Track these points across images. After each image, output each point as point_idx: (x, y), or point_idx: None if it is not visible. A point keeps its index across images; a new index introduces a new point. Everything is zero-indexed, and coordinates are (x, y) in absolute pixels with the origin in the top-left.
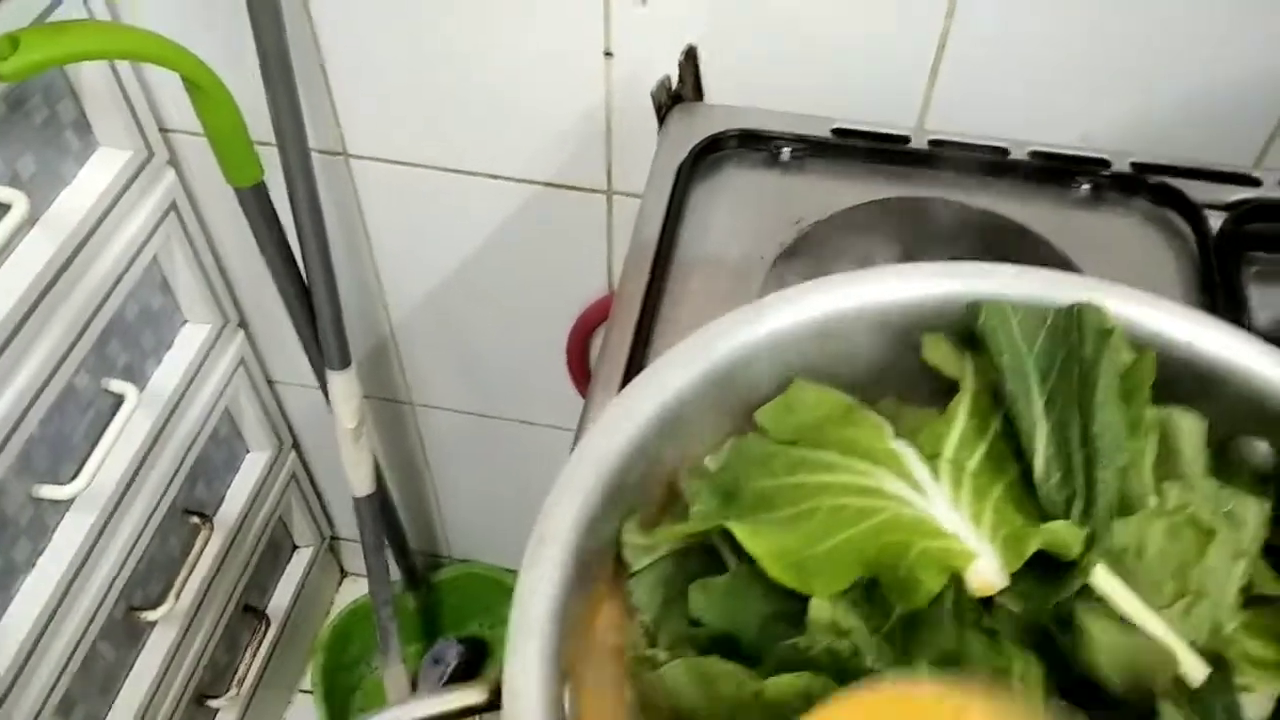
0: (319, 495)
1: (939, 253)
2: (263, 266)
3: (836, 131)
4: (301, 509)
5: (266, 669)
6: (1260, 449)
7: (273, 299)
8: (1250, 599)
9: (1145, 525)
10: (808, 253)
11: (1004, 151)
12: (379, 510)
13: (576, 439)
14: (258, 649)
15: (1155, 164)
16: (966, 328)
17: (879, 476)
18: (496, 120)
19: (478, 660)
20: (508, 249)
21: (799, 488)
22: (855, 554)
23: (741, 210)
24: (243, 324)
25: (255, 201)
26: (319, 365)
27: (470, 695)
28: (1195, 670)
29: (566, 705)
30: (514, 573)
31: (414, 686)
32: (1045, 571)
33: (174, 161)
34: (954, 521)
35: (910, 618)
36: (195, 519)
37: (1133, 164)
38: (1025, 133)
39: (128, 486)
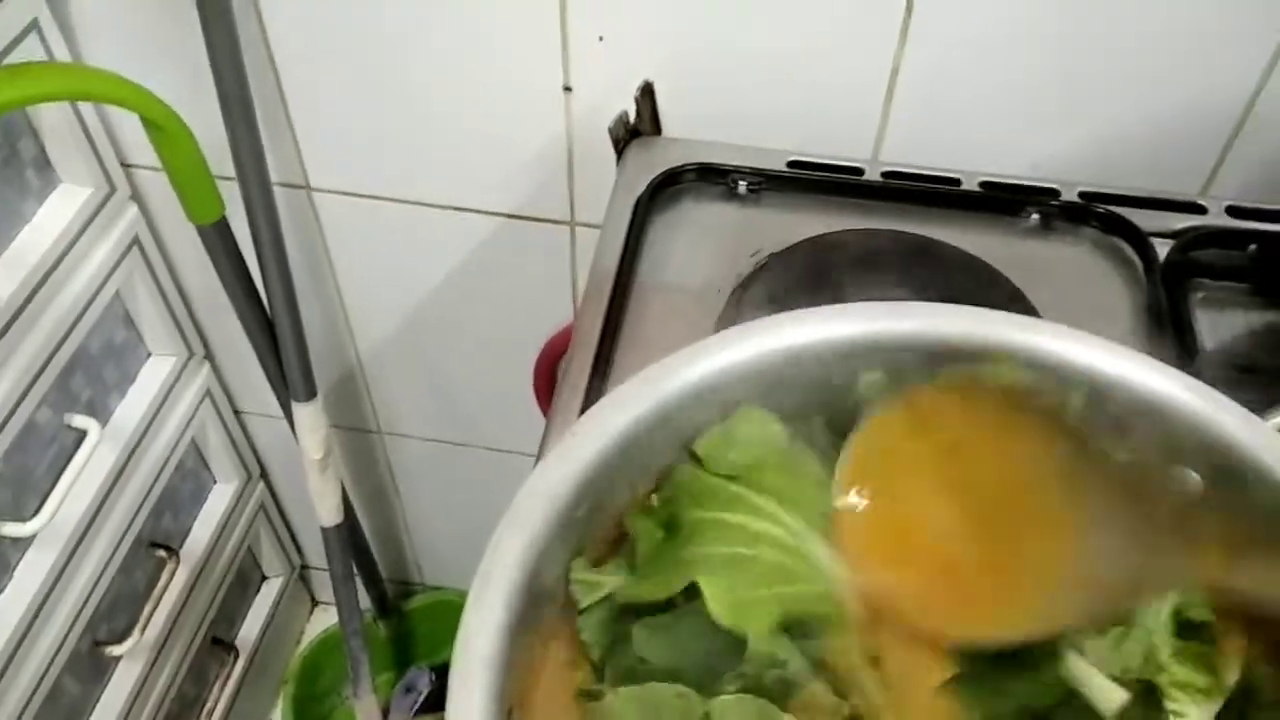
0: (288, 525)
1: (892, 283)
2: (227, 298)
3: (792, 164)
4: (270, 539)
5: (236, 701)
6: (1191, 479)
7: (237, 329)
8: (1186, 625)
9: None
10: (764, 284)
11: (955, 182)
12: (347, 540)
13: (536, 464)
14: (226, 681)
15: (1103, 193)
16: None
17: (812, 544)
18: (459, 153)
19: None
20: (473, 279)
21: (739, 529)
22: (784, 606)
23: (699, 242)
24: (208, 355)
25: (217, 238)
26: (284, 398)
27: None
28: (1107, 699)
29: None
30: None
31: (386, 716)
32: None
33: (136, 196)
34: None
35: None
36: (161, 552)
37: (1081, 193)
38: (977, 163)
39: (91, 522)
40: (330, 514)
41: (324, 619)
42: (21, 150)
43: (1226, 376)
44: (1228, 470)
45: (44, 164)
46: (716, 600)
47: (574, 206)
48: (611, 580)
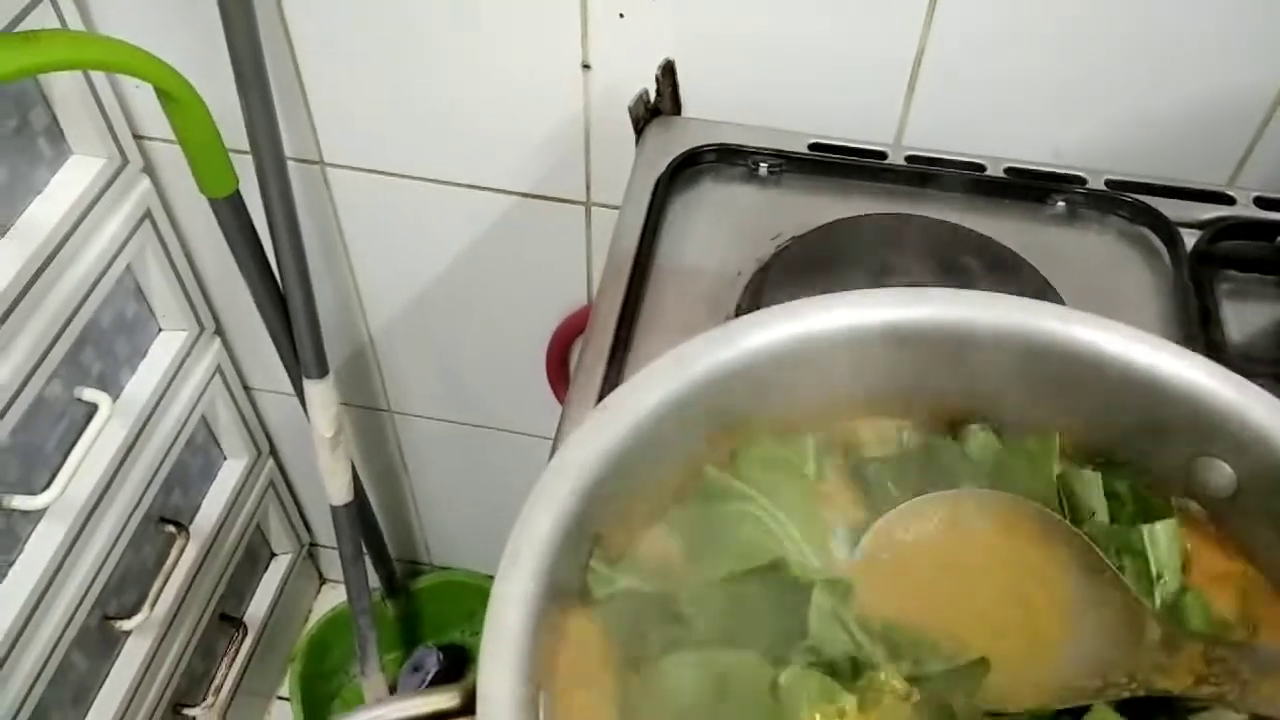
0: (297, 502)
1: (914, 269)
2: (239, 273)
3: (814, 147)
4: (279, 516)
5: (244, 677)
6: (1222, 470)
7: (249, 305)
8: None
9: None
10: (785, 267)
11: (980, 168)
12: (357, 518)
13: (554, 448)
14: (234, 657)
15: (1131, 181)
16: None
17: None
18: (475, 130)
19: (458, 668)
20: (487, 258)
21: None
22: None
23: (719, 224)
24: (219, 331)
25: (230, 211)
26: (296, 374)
27: (444, 699)
28: None
29: (541, 713)
30: (494, 579)
31: (393, 694)
32: None
33: (149, 169)
34: None
35: None
36: (171, 527)
37: (1108, 181)
38: (1002, 149)
39: (101, 496)
40: (340, 492)
41: (332, 597)
42: (33, 120)
43: (1253, 368)
44: (1257, 460)
45: (56, 134)
46: None
47: (590, 186)
48: (627, 578)
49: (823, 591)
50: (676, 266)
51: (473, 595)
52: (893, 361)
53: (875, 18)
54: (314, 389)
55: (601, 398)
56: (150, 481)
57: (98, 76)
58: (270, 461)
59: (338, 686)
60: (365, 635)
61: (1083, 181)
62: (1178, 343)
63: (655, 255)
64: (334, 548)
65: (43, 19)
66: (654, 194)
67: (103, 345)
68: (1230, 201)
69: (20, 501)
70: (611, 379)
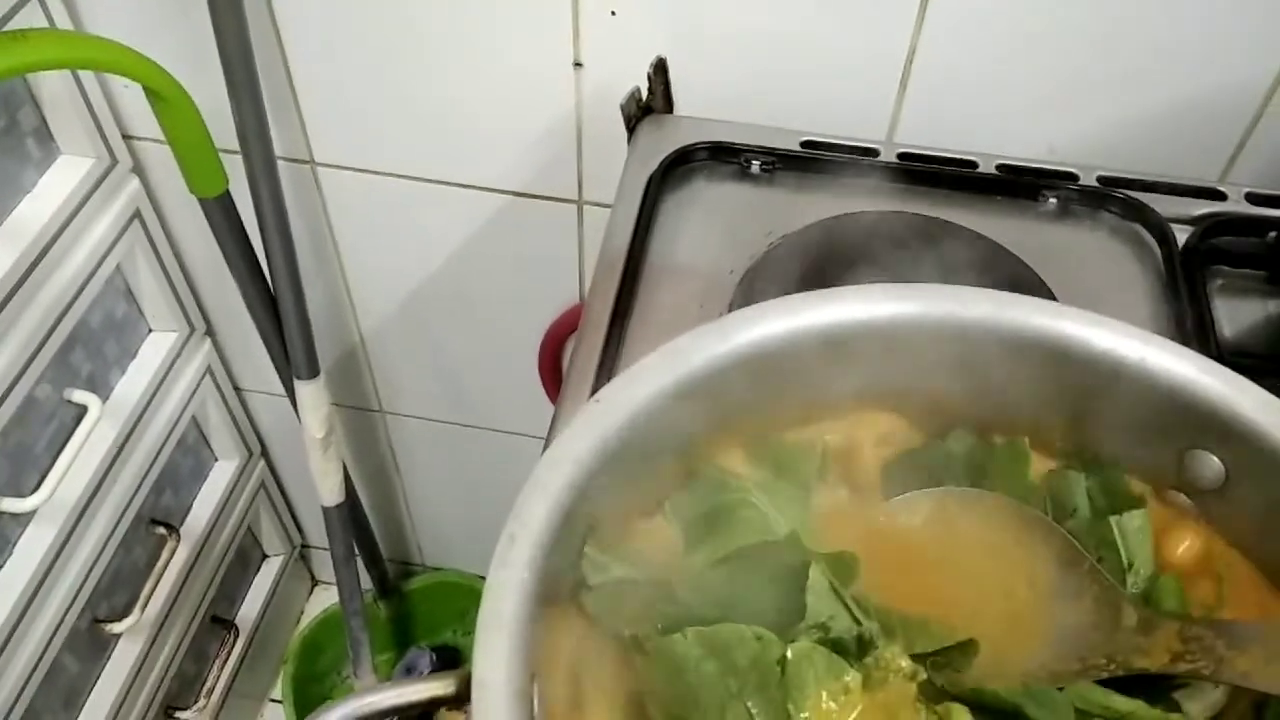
0: (289, 503)
1: (906, 266)
2: (229, 273)
3: (806, 144)
4: (271, 517)
5: (235, 680)
6: (1211, 463)
7: (239, 306)
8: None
9: None
10: (778, 265)
11: (972, 165)
12: (348, 520)
13: (547, 446)
14: (226, 659)
15: (1122, 178)
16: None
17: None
18: (466, 129)
19: (450, 668)
20: (479, 257)
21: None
22: None
23: (711, 222)
24: (209, 332)
25: (220, 212)
26: (286, 375)
27: (439, 686)
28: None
29: (535, 701)
30: (487, 577)
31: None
32: None
33: (138, 169)
34: None
35: None
36: (161, 529)
37: (1099, 178)
38: (993, 146)
39: (91, 498)
40: (331, 493)
41: (324, 598)
42: (21, 120)
43: (1245, 363)
44: (1246, 453)
45: (44, 134)
46: None
47: (582, 185)
48: (620, 566)
49: (819, 569)
50: (669, 265)
51: (465, 596)
52: (884, 357)
53: (867, 15)
54: (305, 389)
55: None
56: (140, 483)
57: (86, 76)
58: (261, 463)
59: (330, 688)
60: (357, 637)
61: (1074, 178)
62: (1169, 338)
63: (647, 253)
64: (326, 549)
65: (31, 18)
66: (646, 192)
67: (92, 346)
68: (1221, 197)
69: (9, 504)
70: (604, 378)
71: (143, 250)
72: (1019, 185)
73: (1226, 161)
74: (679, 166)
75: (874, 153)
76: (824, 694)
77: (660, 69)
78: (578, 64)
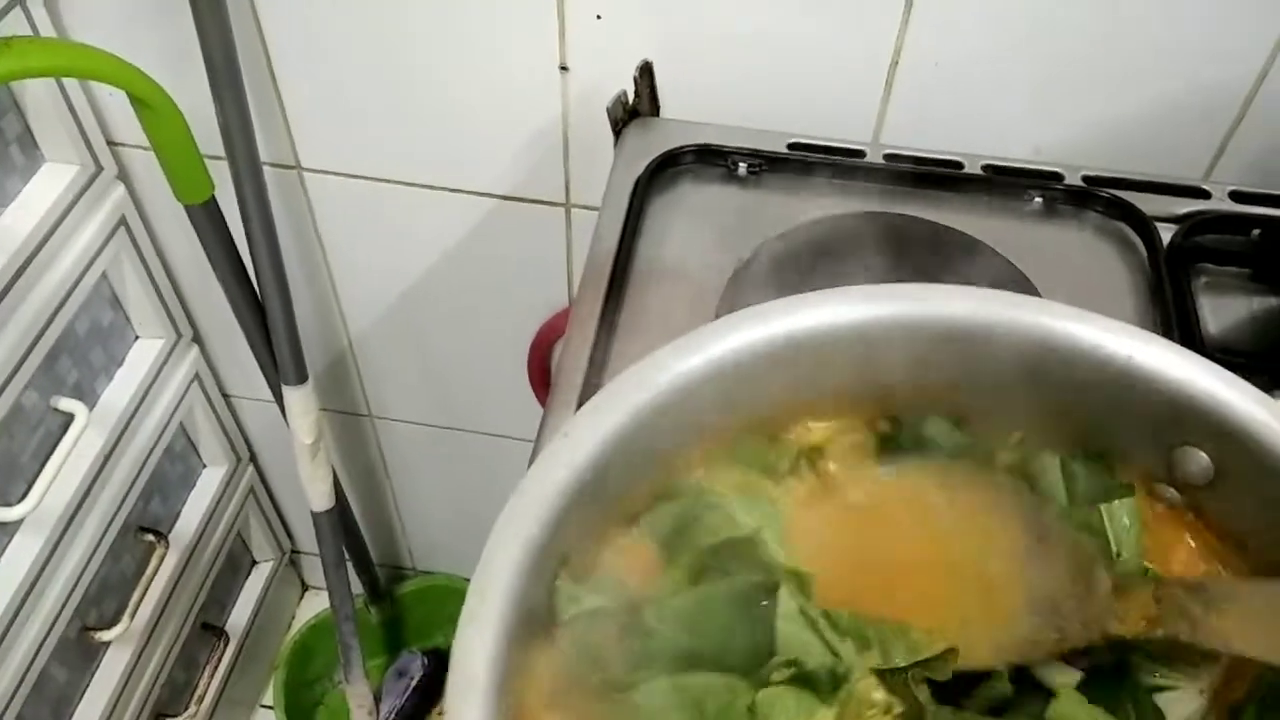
0: (278, 509)
1: (893, 267)
2: (216, 279)
3: (793, 146)
4: (260, 524)
5: (226, 686)
6: (1199, 459)
7: (226, 312)
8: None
9: None
10: (765, 267)
11: (958, 165)
12: (338, 525)
13: (535, 452)
14: (217, 666)
15: (1107, 177)
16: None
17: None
18: (453, 133)
19: (442, 672)
20: (467, 261)
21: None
22: None
23: (699, 225)
24: (196, 338)
25: (206, 218)
26: (275, 381)
27: None
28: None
29: None
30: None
31: (378, 701)
32: None
33: (123, 175)
34: None
35: None
36: (150, 536)
37: (1084, 177)
38: (979, 146)
39: (79, 506)
40: (321, 499)
41: (315, 603)
42: (5, 128)
43: (1230, 361)
44: (1236, 449)
45: (29, 141)
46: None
47: (570, 188)
48: (593, 597)
49: (788, 589)
50: (656, 267)
51: (457, 599)
52: (865, 359)
53: (852, 17)
54: (293, 395)
55: (582, 401)
56: (128, 490)
57: (70, 83)
58: (250, 468)
59: (321, 694)
60: (349, 642)
61: (1060, 178)
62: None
63: (635, 256)
64: (316, 554)
65: (14, 26)
66: (633, 195)
67: (79, 354)
68: (1206, 196)
69: None
70: (592, 381)
71: (129, 257)
72: (1004, 185)
73: (1210, 160)
74: (666, 169)
75: (860, 154)
76: None
77: (646, 72)
78: (564, 68)
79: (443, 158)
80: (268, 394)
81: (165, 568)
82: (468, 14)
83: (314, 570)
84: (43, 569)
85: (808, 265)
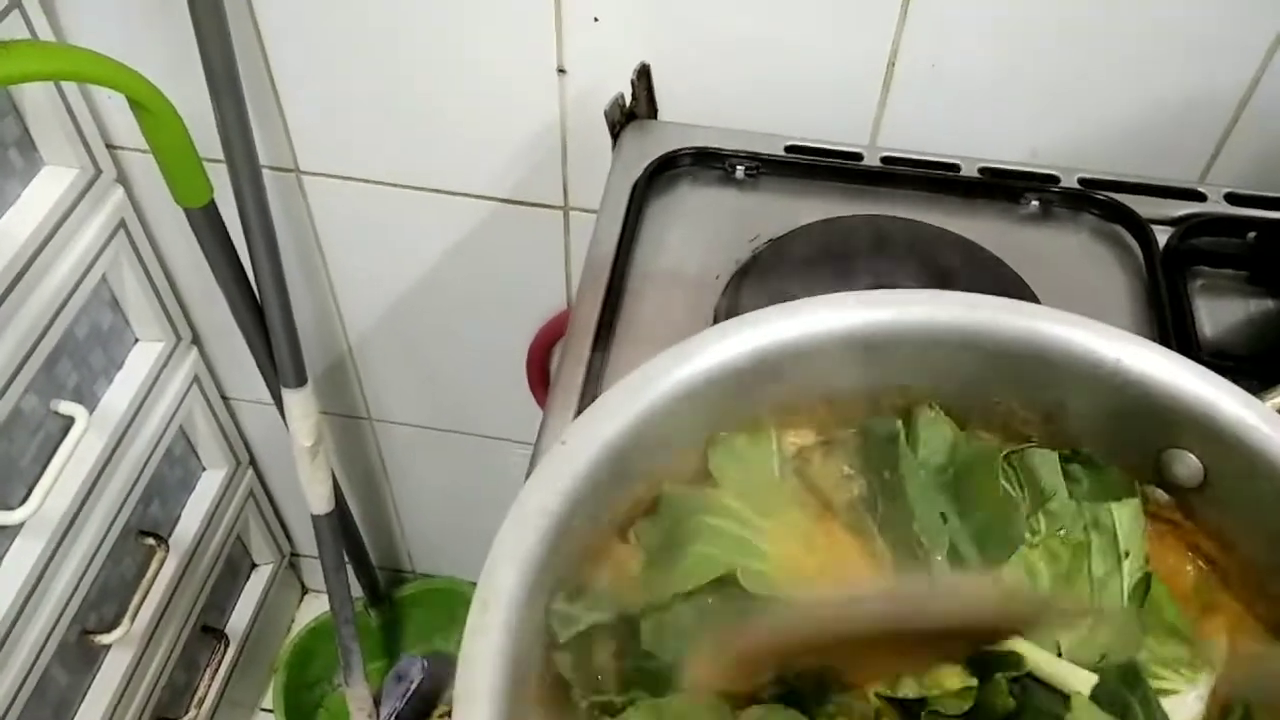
0: (278, 512)
1: (890, 270)
2: (215, 282)
3: (790, 149)
4: (260, 527)
5: (226, 689)
6: (1190, 462)
7: (226, 315)
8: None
9: (1027, 558)
10: (763, 270)
11: (955, 168)
12: (338, 528)
13: (534, 456)
14: (217, 669)
15: (1103, 180)
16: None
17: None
18: (451, 136)
19: (442, 675)
20: (466, 264)
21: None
22: None
23: (697, 227)
24: (196, 341)
25: (205, 221)
26: (274, 384)
27: None
28: (1076, 682)
29: None
30: (474, 593)
31: (377, 704)
32: None
33: (122, 178)
34: None
35: None
36: (150, 540)
37: (1081, 180)
38: (976, 149)
39: (79, 509)
40: (321, 502)
41: (314, 606)
42: (4, 131)
43: (1225, 364)
44: (1224, 452)
45: (28, 145)
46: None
47: (568, 191)
48: (589, 614)
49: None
50: (654, 270)
51: (456, 602)
52: (860, 364)
53: (850, 20)
54: (293, 398)
55: (582, 404)
56: (128, 494)
57: (69, 87)
58: (250, 472)
59: (321, 697)
60: (348, 645)
61: (1056, 180)
62: (1150, 338)
63: (633, 259)
64: (316, 557)
65: (12, 29)
66: (631, 198)
67: (78, 357)
68: (1201, 198)
69: None
70: (591, 385)
71: (128, 260)
72: (1001, 188)
73: (1206, 163)
74: (664, 172)
75: (857, 157)
76: None
77: (644, 75)
78: (561, 71)
79: (441, 161)
80: (267, 397)
81: (165, 571)
82: (465, 17)
83: (314, 573)
84: (43, 572)
85: (805, 268)
